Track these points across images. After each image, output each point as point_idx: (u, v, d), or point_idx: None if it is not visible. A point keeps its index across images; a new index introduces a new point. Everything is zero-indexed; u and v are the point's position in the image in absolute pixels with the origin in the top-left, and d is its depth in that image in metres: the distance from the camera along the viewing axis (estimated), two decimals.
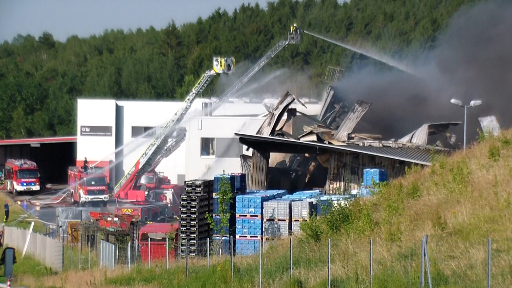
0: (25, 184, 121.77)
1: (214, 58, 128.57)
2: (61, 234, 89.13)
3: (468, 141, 61.75)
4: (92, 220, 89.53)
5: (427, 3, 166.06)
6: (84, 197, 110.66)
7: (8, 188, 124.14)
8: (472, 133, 62.70)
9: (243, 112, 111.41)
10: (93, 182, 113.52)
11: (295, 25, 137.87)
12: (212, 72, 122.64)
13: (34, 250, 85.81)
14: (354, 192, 69.67)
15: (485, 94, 76.23)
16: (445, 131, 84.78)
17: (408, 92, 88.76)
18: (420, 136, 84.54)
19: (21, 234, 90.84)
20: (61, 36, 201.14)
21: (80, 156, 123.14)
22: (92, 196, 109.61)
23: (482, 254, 29.64)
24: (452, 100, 72.05)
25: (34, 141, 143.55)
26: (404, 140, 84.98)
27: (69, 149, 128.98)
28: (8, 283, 60.20)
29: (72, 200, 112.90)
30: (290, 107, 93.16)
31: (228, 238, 64.36)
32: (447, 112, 76.75)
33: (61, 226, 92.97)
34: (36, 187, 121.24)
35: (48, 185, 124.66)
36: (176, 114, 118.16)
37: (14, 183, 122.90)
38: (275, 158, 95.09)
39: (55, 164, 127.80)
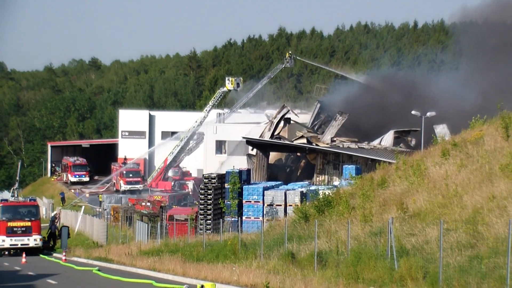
0: (77, 176, 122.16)
1: (226, 78, 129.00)
2: (105, 216, 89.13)
3: (425, 144, 61.70)
4: (130, 205, 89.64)
5: (394, 36, 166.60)
6: (123, 187, 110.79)
7: (64, 180, 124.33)
8: (428, 138, 62.66)
9: (249, 120, 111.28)
10: (130, 175, 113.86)
11: (289, 52, 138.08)
12: (225, 89, 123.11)
13: (84, 228, 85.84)
14: (336, 183, 69.66)
15: (438, 106, 76.28)
16: (407, 135, 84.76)
17: (378, 104, 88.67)
18: (387, 139, 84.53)
19: (74, 216, 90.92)
20: (106, 60, 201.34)
21: (121, 154, 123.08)
22: (130, 186, 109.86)
23: (435, 232, 29.61)
24: (413, 112, 72.11)
25: (85, 143, 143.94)
26: (375, 142, 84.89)
27: (112, 149, 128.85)
28: (64, 253, 60.33)
29: (114, 189, 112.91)
30: (285, 116, 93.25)
31: (237, 219, 64.37)
32: (410, 120, 76.65)
33: (105, 209, 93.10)
34: (86, 179, 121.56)
35: (96, 177, 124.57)
36: (196, 121, 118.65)
37: (69, 175, 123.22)
38: (274, 156, 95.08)
39: (101, 160, 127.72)
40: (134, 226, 78.60)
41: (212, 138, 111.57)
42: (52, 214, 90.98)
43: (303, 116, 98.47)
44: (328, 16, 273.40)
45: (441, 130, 72.44)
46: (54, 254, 66.47)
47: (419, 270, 26.46)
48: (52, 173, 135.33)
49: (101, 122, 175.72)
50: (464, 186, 35.63)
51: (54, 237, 72.46)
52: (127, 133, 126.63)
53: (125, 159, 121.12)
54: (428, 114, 71.75)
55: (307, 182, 77.71)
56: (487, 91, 70.05)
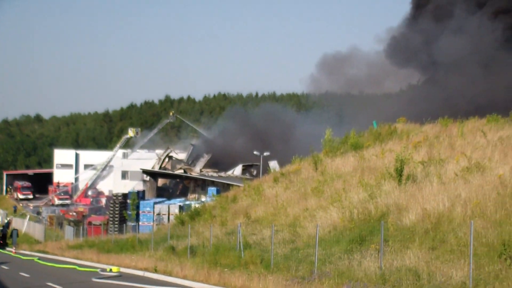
0: (24, 195, 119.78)
1: (129, 128, 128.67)
2: (44, 222, 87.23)
3: (262, 173, 62.21)
4: (61, 214, 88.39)
5: (243, 101, 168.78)
6: (57, 202, 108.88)
7: (15, 197, 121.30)
8: (264, 169, 63.23)
9: (145, 157, 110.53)
10: (62, 194, 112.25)
11: (172, 112, 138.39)
12: (128, 136, 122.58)
13: (29, 230, 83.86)
14: (203, 200, 69.62)
15: (271, 148, 77.15)
16: (251, 168, 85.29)
17: (230, 147, 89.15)
18: (237, 170, 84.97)
19: (21, 222, 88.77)
20: (46, 114, 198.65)
21: (55, 180, 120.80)
22: (61, 201, 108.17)
23: (269, 232, 29.87)
24: (255, 152, 72.75)
25: (30, 172, 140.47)
26: (229, 172, 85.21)
27: (49, 176, 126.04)
28: (14, 248, 58.95)
29: (51, 203, 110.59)
30: (169, 154, 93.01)
31: (135, 224, 64.05)
32: (252, 157, 77.22)
33: (44, 217, 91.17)
34: (31, 196, 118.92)
35: (37, 195, 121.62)
36: (108, 158, 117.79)
37: (18, 194, 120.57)
38: (161, 181, 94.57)
39: (41, 184, 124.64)
40: (64, 229, 77.28)
41: (119, 169, 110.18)
42: (6, 221, 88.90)
43: (181, 155, 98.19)
44: (198, 87, 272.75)
45: (273, 164, 73.14)
46: (7, 249, 64.80)
47: (257, 257, 26.63)
48: (7, 192, 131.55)
49: (42, 158, 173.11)
50: (288, 201, 36.00)
51: (5, 237, 70.84)
52: (60, 165, 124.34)
53: (58, 183, 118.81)
54: (265, 153, 72.53)
55: (183, 199, 77.47)
56: (303, 139, 71.01)
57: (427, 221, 22.41)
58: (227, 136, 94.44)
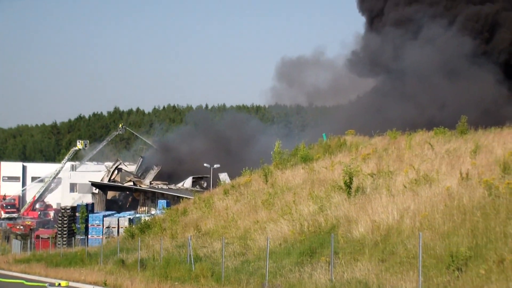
0: None
1: (78, 140, 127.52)
2: None
3: (213, 186, 62.13)
4: (8, 228, 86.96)
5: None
6: (3, 215, 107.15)
7: None
8: (214, 182, 63.16)
9: (93, 170, 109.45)
10: (8, 207, 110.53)
11: (122, 124, 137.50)
12: (76, 148, 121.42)
13: None
14: (153, 212, 69.19)
15: (220, 160, 77.11)
16: (201, 180, 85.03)
17: (179, 158, 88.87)
18: (188, 182, 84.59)
19: None
20: None
21: (1, 192, 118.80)
22: (8, 215, 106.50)
23: (219, 245, 29.79)
24: (205, 164, 72.68)
25: None
26: (179, 185, 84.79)
27: None
28: None
29: None
30: (118, 167, 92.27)
31: (84, 237, 63.29)
32: (203, 170, 77.08)
33: None
34: None
35: None
36: (56, 170, 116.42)
37: None
38: (110, 194, 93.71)
39: None
40: (10, 243, 76.01)
41: (67, 182, 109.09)
42: None
43: (131, 167, 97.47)
44: (147, 98, 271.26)
45: (224, 176, 73.08)
46: None
47: (208, 270, 26.53)
48: None
49: None
50: (238, 214, 35.97)
51: None
52: (6, 178, 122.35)
53: (5, 196, 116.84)
54: (215, 165, 72.50)
55: (133, 212, 76.92)
56: (259, 150, 70.99)
57: (376, 233, 22.58)
58: (176, 149, 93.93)
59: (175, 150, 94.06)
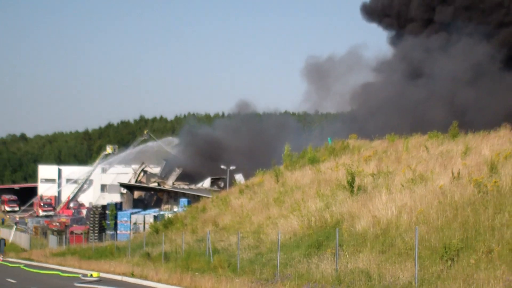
0: (11, 207, 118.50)
1: (107, 145, 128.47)
2: (29, 232, 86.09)
3: (229, 186, 62.23)
4: (45, 224, 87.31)
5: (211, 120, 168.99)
6: (41, 213, 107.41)
7: (2, 210, 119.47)
8: (231, 182, 63.20)
9: (122, 172, 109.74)
10: (46, 206, 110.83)
11: (147, 130, 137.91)
12: (106, 152, 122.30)
13: (15, 239, 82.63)
14: (175, 210, 69.41)
15: (236, 162, 76.94)
16: (218, 180, 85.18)
17: (199, 161, 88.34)
18: (206, 183, 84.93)
19: (8, 232, 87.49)
20: (31, 133, 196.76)
21: (39, 193, 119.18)
22: (45, 213, 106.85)
23: (235, 239, 29.90)
24: (222, 166, 72.89)
25: (16, 186, 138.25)
26: (199, 185, 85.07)
27: (34, 190, 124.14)
28: (1, 256, 58.03)
29: (35, 215, 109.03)
30: (144, 169, 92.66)
31: (114, 233, 63.57)
32: (220, 171, 77.10)
33: (29, 228, 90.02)
34: (17, 209, 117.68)
35: (23, 208, 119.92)
36: (88, 172, 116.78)
37: (5, 206, 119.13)
38: (137, 194, 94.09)
39: (27, 197, 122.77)
40: (47, 238, 76.38)
41: (99, 183, 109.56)
42: None
43: (155, 169, 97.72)
44: (170, 107, 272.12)
45: (239, 177, 73.22)
46: None
47: (225, 262, 26.66)
48: None
49: (27, 173, 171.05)
50: (252, 211, 36.09)
51: None
52: (44, 180, 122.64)
53: (42, 196, 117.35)
54: (231, 167, 72.65)
55: (157, 209, 77.15)
56: (265, 156, 69.16)
57: (377, 227, 22.64)
58: (195, 153, 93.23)
59: (192, 153, 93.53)
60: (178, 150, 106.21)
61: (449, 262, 17.99)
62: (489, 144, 29.32)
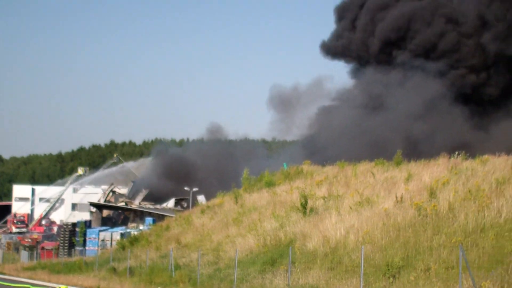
0: None
1: (79, 167, 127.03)
2: (2, 247, 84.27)
3: (192, 206, 61.79)
4: (18, 240, 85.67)
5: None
6: (14, 229, 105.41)
7: None
8: (193, 202, 62.79)
9: (92, 192, 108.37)
10: (19, 223, 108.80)
11: (116, 154, 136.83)
12: (78, 174, 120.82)
13: None
14: (141, 228, 68.63)
15: (199, 184, 76.76)
16: (182, 201, 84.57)
17: (164, 183, 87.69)
18: (170, 203, 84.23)
19: None
20: (6, 155, 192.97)
21: (13, 211, 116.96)
22: (18, 229, 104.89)
23: (196, 256, 29.69)
24: (185, 187, 72.54)
25: None
26: (164, 205, 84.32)
27: (9, 207, 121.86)
28: None
29: (9, 231, 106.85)
30: (113, 189, 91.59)
31: (83, 249, 62.61)
32: (184, 192, 76.63)
33: (2, 243, 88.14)
34: None
35: None
36: (60, 192, 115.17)
37: None
38: (106, 212, 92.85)
39: (2, 214, 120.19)
40: (19, 253, 74.87)
41: (70, 202, 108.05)
42: None
43: (123, 190, 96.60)
44: (139, 132, 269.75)
45: (201, 198, 72.80)
46: None
47: (186, 277, 26.46)
48: None
49: (2, 192, 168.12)
50: (213, 229, 35.90)
51: None
52: (18, 199, 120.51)
53: (16, 214, 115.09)
54: (194, 189, 72.33)
55: (124, 227, 76.19)
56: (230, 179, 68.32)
57: (326, 246, 22.69)
58: (160, 174, 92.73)
59: (157, 175, 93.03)
60: (146, 172, 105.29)
61: (391, 278, 18.11)
62: (429, 172, 29.69)
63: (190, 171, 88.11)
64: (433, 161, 32.68)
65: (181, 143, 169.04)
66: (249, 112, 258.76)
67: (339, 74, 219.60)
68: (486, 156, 30.06)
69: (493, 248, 17.27)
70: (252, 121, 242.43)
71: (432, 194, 23.48)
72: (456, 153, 32.26)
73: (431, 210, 21.25)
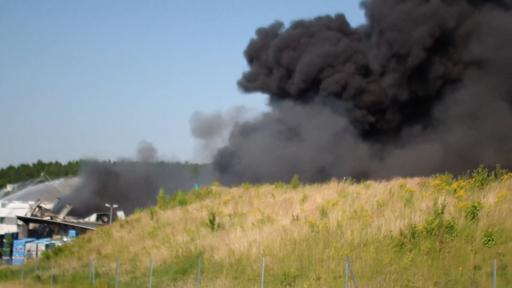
0: None
1: (8, 184, 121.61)
2: None
3: (112, 220, 60.04)
4: None
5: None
6: None
7: None
8: (114, 218, 61.11)
9: (19, 207, 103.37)
10: None
11: (43, 173, 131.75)
12: (7, 190, 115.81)
13: None
14: (65, 239, 66.12)
15: (119, 201, 74.78)
16: (103, 216, 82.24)
17: (86, 200, 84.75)
18: (93, 218, 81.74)
19: None
20: None
21: None
22: None
23: (115, 265, 28.87)
24: (106, 204, 70.62)
25: None
26: (86, 219, 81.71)
27: None
28: None
29: None
30: (40, 205, 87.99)
31: (9, 258, 59.61)
32: (106, 208, 74.32)
33: None
34: None
35: None
36: None
37: None
38: (32, 225, 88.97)
39: None
40: None
41: None
42: None
43: (49, 205, 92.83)
44: (65, 153, 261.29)
45: (121, 214, 70.99)
46: None
47: (105, 284, 25.67)
48: None
49: None
50: (130, 242, 35.04)
51: None
52: None
53: None
54: (114, 205, 70.62)
55: (49, 239, 73.18)
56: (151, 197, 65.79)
57: (232, 257, 22.58)
58: (85, 191, 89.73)
59: (83, 193, 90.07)
60: (72, 189, 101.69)
61: (288, 286, 18.19)
62: (321, 194, 30.23)
63: (119, 189, 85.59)
64: (325, 185, 33.30)
65: (114, 164, 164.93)
66: (178, 136, 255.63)
67: (258, 102, 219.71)
68: (369, 182, 30.89)
69: (374, 260, 17.67)
70: (180, 145, 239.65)
71: (323, 213, 23.88)
72: (344, 178, 33.00)
73: (322, 227, 21.58)
